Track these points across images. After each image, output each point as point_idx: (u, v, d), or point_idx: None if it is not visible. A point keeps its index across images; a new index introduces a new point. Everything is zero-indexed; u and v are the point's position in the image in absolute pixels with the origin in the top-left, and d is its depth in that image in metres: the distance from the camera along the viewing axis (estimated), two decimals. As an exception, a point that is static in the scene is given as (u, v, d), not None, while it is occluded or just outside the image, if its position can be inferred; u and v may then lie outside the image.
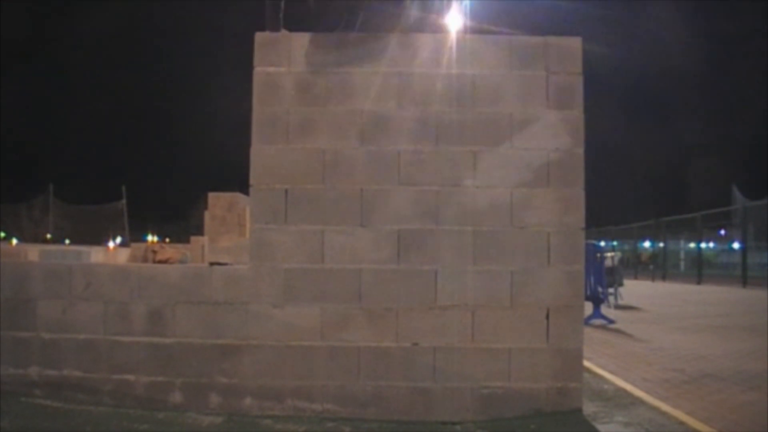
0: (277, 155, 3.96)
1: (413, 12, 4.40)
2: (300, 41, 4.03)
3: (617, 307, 10.18)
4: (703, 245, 20.43)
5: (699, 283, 18.21)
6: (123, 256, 13.80)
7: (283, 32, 4.13)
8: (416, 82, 3.98)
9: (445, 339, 3.85)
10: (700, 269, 19.15)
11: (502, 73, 4.00)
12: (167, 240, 28.64)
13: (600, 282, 9.05)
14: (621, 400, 4.26)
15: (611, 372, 5.11)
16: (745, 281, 16.24)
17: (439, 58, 3.99)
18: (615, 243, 26.54)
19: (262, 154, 3.97)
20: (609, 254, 11.01)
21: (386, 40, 4.03)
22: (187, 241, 11.55)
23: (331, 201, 3.94)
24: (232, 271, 4.01)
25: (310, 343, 3.87)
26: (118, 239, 31.94)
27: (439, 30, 4.99)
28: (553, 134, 3.96)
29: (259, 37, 4.05)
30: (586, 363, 4.78)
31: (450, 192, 3.93)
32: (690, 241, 22.91)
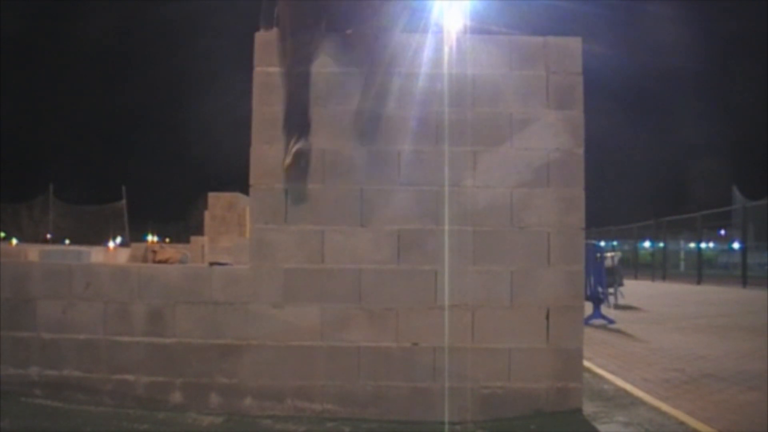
0: (277, 155, 3.96)
1: (413, 12, 4.39)
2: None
3: (617, 307, 10.17)
4: (703, 245, 20.43)
5: (699, 283, 18.21)
6: (123, 256, 13.81)
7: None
8: (416, 82, 3.97)
9: (445, 339, 3.84)
10: (700, 269, 19.15)
11: (502, 73, 4.00)
12: (167, 240, 28.68)
13: (600, 282, 9.04)
14: (621, 400, 4.26)
15: (611, 372, 5.11)
16: (745, 281, 16.24)
17: (439, 58, 3.99)
18: (615, 243, 26.53)
19: (262, 154, 3.97)
20: (609, 254, 11.00)
21: (386, 40, 4.03)
22: (187, 241, 11.55)
23: (331, 201, 3.94)
24: (232, 271, 4.01)
25: (310, 343, 3.87)
26: (118, 239, 31.96)
27: (439, 30, 4.98)
28: (553, 134, 3.96)
29: (259, 37, 4.05)
30: (586, 363, 4.78)
31: (450, 192, 3.93)
32: (690, 241, 22.92)
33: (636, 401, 4.21)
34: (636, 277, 21.32)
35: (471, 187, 3.94)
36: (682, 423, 3.69)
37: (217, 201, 9.92)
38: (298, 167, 3.87)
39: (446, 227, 3.91)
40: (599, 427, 3.66)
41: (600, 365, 5.37)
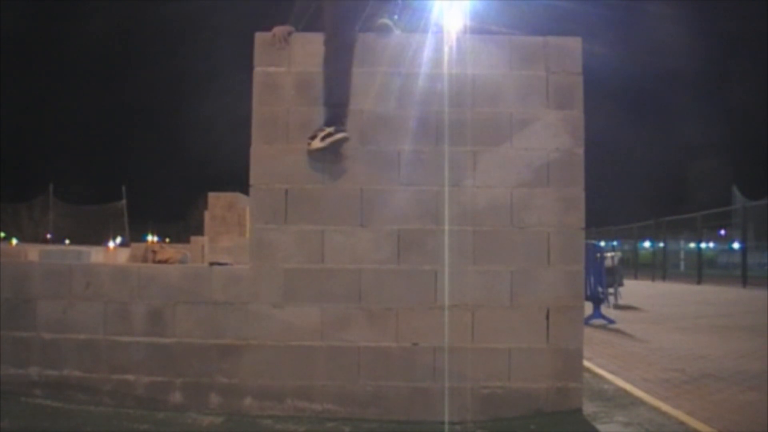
0: (277, 155, 3.96)
1: (414, 12, 4.39)
2: (300, 41, 4.03)
3: (617, 307, 10.18)
4: (703, 245, 20.43)
5: (699, 283, 18.21)
6: (123, 256, 13.78)
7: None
8: (416, 82, 3.97)
9: (445, 339, 3.84)
10: (700, 269, 19.15)
11: (502, 73, 4.00)
12: (167, 240, 28.65)
13: (600, 282, 9.04)
14: (621, 400, 4.26)
15: (611, 372, 5.11)
16: (745, 281, 16.25)
17: (439, 58, 3.99)
18: (615, 243, 26.54)
19: (262, 154, 3.97)
20: (609, 254, 11.00)
21: (386, 40, 4.03)
22: (187, 241, 11.54)
23: (331, 201, 3.94)
24: (232, 271, 4.01)
25: (310, 343, 3.87)
26: (118, 239, 32.02)
27: (439, 30, 4.99)
28: (553, 134, 3.96)
29: (259, 37, 4.05)
30: (586, 363, 4.78)
31: (450, 192, 3.93)
32: (690, 241, 22.92)
33: (636, 401, 4.21)
34: (636, 277, 21.32)
35: (471, 187, 3.94)
36: (682, 423, 3.69)
37: (217, 201, 9.91)
38: (331, 149, 3.87)
39: (446, 227, 3.91)
40: (599, 427, 3.66)
41: (600, 365, 5.37)
